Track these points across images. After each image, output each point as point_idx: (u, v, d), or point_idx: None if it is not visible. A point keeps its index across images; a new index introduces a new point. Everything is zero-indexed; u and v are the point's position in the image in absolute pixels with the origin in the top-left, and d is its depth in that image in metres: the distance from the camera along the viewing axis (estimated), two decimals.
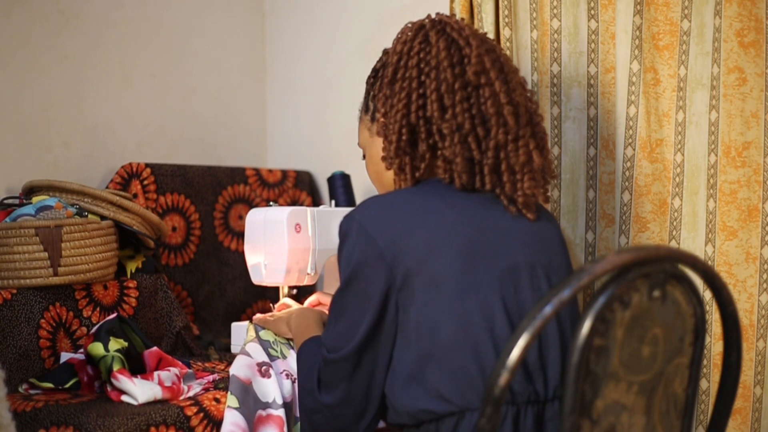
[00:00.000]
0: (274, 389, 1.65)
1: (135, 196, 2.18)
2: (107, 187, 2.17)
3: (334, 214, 2.00)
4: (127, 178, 2.20)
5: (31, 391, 1.73)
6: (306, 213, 1.95)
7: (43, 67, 2.14)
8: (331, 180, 2.40)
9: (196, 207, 2.33)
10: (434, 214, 1.43)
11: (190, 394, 1.68)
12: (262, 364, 1.69)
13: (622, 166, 1.93)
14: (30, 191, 1.99)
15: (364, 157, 1.68)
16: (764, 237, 1.83)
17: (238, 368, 1.66)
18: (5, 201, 1.96)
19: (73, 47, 2.20)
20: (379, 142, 1.59)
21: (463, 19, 1.98)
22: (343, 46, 2.57)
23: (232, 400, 1.60)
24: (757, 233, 1.84)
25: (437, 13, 1.56)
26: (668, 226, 1.90)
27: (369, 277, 1.42)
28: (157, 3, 2.42)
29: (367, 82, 1.64)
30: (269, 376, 1.67)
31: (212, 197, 2.38)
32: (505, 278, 1.42)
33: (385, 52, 1.60)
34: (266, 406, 1.63)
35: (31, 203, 1.89)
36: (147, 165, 2.23)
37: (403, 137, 1.48)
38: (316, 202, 2.59)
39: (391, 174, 1.56)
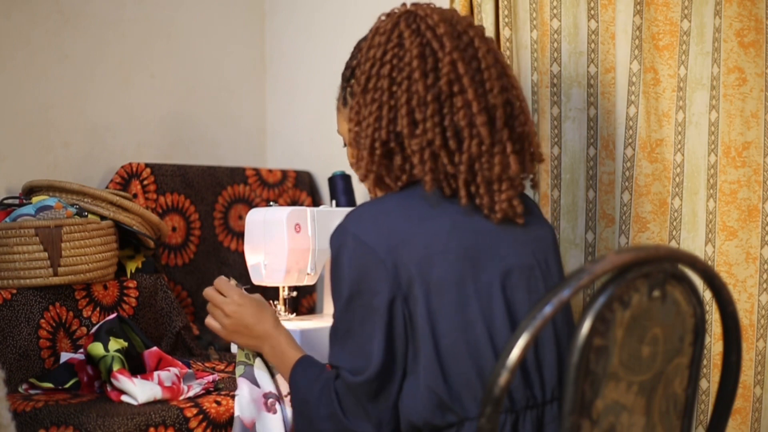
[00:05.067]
0: (278, 427, 1.58)
1: (135, 196, 2.19)
2: (107, 187, 2.17)
3: (334, 215, 2.00)
4: (127, 178, 2.20)
5: (31, 391, 1.73)
6: (306, 213, 1.95)
7: (43, 67, 2.14)
8: (332, 180, 2.40)
9: (196, 207, 2.33)
10: (428, 220, 1.40)
11: (190, 394, 1.68)
12: (269, 395, 1.60)
13: (622, 166, 1.93)
14: (30, 191, 1.99)
15: (345, 144, 1.65)
16: (764, 237, 1.83)
17: (243, 407, 1.57)
18: (5, 201, 1.96)
19: (73, 47, 2.21)
20: None
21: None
22: (343, 45, 2.55)
23: None
24: (757, 233, 1.84)
25: (413, 4, 1.49)
26: (668, 226, 1.90)
27: (372, 289, 1.38)
28: (157, 3, 2.42)
29: (343, 77, 1.61)
30: (275, 411, 1.58)
31: (212, 197, 2.38)
32: (504, 282, 1.41)
33: (359, 48, 1.54)
34: None
35: (31, 203, 1.89)
36: (147, 165, 2.23)
37: (377, 151, 1.43)
38: (316, 202, 2.59)
39: None
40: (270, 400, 1.60)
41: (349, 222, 1.42)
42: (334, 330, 1.45)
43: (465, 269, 1.39)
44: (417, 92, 1.40)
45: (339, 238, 1.42)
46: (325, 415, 1.45)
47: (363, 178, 1.48)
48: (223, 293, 1.65)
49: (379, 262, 1.37)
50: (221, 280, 1.67)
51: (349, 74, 1.59)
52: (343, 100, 1.62)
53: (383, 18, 1.49)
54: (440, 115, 1.40)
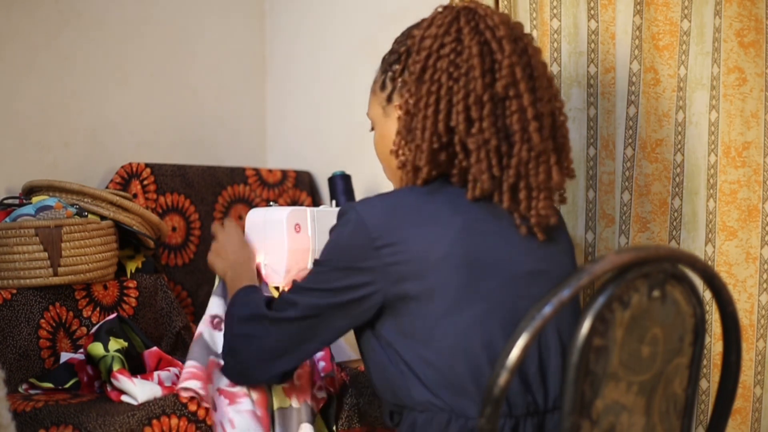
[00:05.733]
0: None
1: (135, 196, 2.18)
2: (107, 187, 2.17)
3: (334, 215, 1.99)
4: (127, 178, 2.20)
5: (31, 391, 1.73)
6: (306, 213, 1.95)
7: (43, 67, 2.14)
8: (332, 180, 2.40)
9: (196, 207, 2.33)
10: (439, 220, 1.40)
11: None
12: (215, 316, 1.71)
13: (622, 166, 1.93)
14: (30, 191, 1.99)
15: (372, 129, 1.63)
16: (764, 237, 1.83)
17: (195, 354, 1.67)
18: (5, 201, 1.96)
19: (72, 47, 2.20)
20: (391, 123, 1.54)
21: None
22: (343, 46, 2.57)
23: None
24: (757, 233, 1.84)
25: (471, 0, 1.49)
26: (668, 226, 1.90)
27: (356, 269, 1.41)
28: (156, 3, 2.42)
29: (385, 60, 1.57)
30: (220, 329, 1.68)
31: (212, 197, 2.37)
32: (507, 289, 1.40)
33: (410, 35, 1.51)
34: (218, 355, 1.66)
35: (31, 203, 1.89)
36: (147, 165, 2.23)
37: (434, 145, 1.42)
38: (316, 202, 2.59)
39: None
40: (215, 320, 1.71)
41: (361, 203, 1.44)
42: (300, 284, 1.51)
43: (465, 276, 1.38)
44: (475, 90, 1.40)
45: (347, 214, 1.45)
46: (245, 317, 1.54)
47: (401, 166, 1.47)
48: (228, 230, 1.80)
49: (375, 250, 1.39)
50: (231, 223, 1.81)
51: (394, 59, 1.55)
52: (381, 84, 1.58)
53: (440, 9, 1.48)
54: (495, 116, 1.41)
